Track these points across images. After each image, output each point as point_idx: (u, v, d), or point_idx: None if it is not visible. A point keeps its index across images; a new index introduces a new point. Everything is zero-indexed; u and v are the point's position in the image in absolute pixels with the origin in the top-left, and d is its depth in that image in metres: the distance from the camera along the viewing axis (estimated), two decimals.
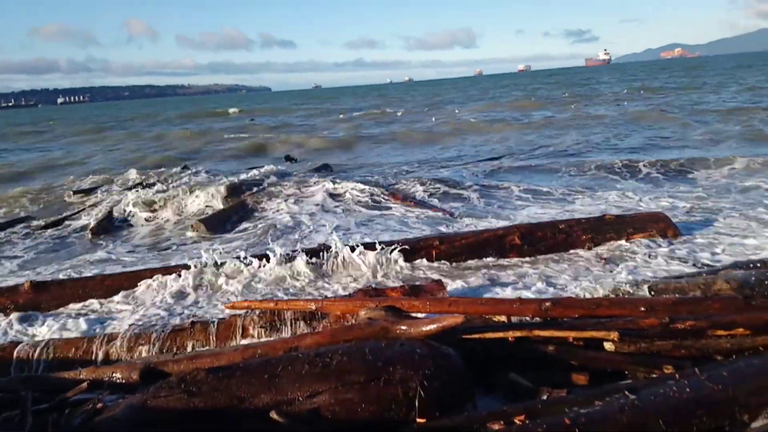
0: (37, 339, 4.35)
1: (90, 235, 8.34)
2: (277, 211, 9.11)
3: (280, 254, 5.43)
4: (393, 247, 5.50)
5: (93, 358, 3.62)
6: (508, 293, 4.53)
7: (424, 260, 5.59)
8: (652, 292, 3.68)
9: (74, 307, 5.12)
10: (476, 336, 3.00)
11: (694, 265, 5.03)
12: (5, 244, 8.41)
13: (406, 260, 5.49)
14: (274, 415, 2.34)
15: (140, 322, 4.64)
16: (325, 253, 5.55)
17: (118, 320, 4.80)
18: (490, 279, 5.15)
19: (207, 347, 3.54)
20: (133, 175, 13.48)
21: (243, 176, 11.77)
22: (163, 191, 10.52)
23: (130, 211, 9.57)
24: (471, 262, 5.62)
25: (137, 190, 10.76)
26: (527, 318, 3.23)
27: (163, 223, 9.15)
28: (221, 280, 5.29)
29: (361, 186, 9.92)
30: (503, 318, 3.30)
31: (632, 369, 2.80)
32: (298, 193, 10.16)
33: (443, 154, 15.98)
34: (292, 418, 2.35)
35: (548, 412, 2.36)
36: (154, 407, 2.42)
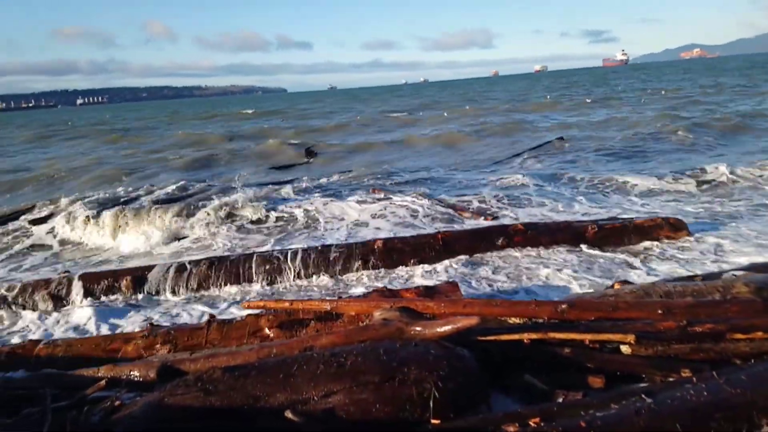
0: (56, 337, 4.42)
1: None
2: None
3: None
4: None
5: (111, 356, 3.67)
6: None
7: None
8: (670, 295, 3.64)
9: None
10: (491, 338, 2.99)
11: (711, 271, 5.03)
12: None
13: None
14: (289, 414, 2.36)
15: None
16: None
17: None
18: None
19: (223, 346, 3.57)
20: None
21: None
22: None
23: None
24: None
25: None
26: (543, 320, 3.21)
27: None
28: None
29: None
30: (518, 320, 3.28)
31: (649, 372, 2.77)
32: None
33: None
34: (307, 417, 2.36)
35: (564, 415, 2.35)
36: (171, 405, 2.45)
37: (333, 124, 30.22)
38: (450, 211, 8.40)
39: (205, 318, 4.07)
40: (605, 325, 3.03)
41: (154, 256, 7.52)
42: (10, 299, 5.54)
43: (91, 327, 4.91)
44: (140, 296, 5.60)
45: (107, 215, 8.63)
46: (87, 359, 3.62)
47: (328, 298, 3.83)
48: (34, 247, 8.40)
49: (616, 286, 4.03)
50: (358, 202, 9.09)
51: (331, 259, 5.86)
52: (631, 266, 5.54)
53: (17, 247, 8.36)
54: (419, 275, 5.70)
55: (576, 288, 5.03)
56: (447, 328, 2.86)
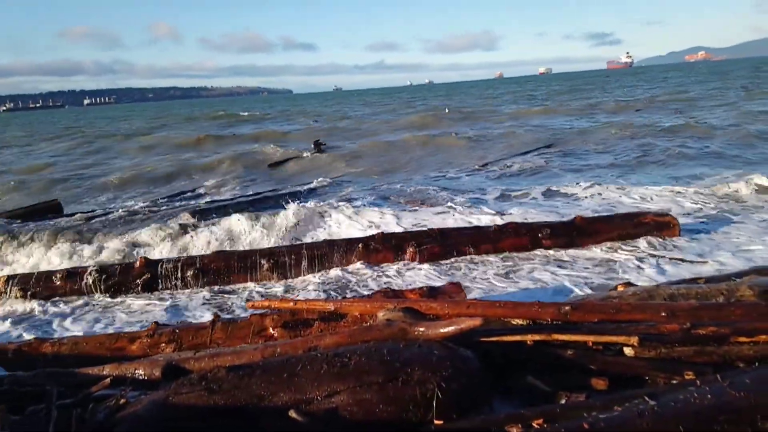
0: (62, 335, 4.45)
1: None
2: None
3: None
4: None
5: (116, 354, 3.70)
6: None
7: None
8: (674, 298, 3.64)
9: None
10: (494, 339, 2.99)
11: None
12: None
13: None
14: (293, 413, 2.37)
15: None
16: None
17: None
18: None
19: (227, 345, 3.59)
20: None
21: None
22: None
23: None
24: None
25: None
26: (546, 321, 3.21)
27: None
28: None
29: None
30: (521, 321, 3.29)
31: (652, 374, 2.77)
32: None
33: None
34: (311, 417, 2.37)
35: (566, 417, 2.35)
36: (175, 404, 2.47)
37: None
38: None
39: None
40: (608, 327, 3.03)
41: None
42: None
43: None
44: None
45: None
46: (92, 358, 3.65)
47: (331, 299, 3.83)
48: None
49: (620, 288, 4.03)
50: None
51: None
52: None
53: None
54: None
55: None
56: (450, 329, 2.87)
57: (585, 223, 6.60)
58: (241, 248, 7.05)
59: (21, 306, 5.74)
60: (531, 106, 35.55)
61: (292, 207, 8.07)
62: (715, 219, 7.31)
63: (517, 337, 2.99)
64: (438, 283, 5.09)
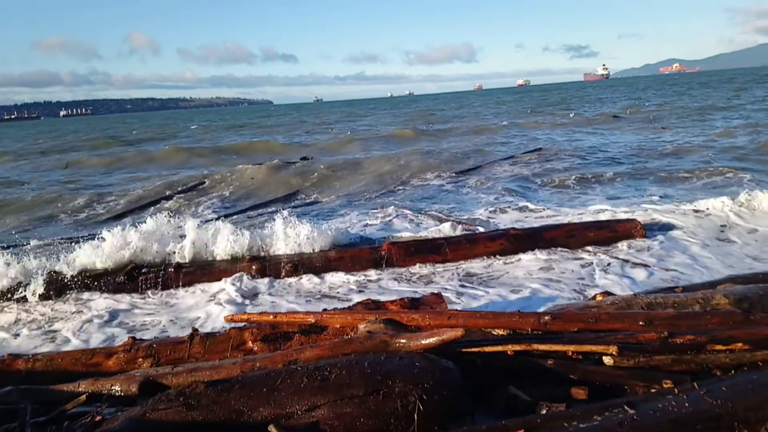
0: (36, 351, 4.35)
1: None
2: None
3: None
4: None
5: (92, 370, 3.62)
6: None
7: None
8: (652, 307, 3.68)
9: None
10: (475, 349, 3.00)
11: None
12: None
13: None
14: (272, 428, 2.35)
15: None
16: None
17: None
18: None
19: (206, 360, 3.54)
20: None
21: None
22: None
23: None
24: None
25: None
26: (527, 331, 3.23)
27: None
28: None
29: None
30: (502, 331, 3.30)
31: (631, 383, 2.79)
32: None
33: None
34: (291, 431, 2.35)
35: (547, 427, 2.36)
36: (152, 420, 2.42)
37: None
38: None
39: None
40: (588, 336, 3.05)
41: None
42: None
43: None
44: None
45: None
46: (68, 374, 3.57)
47: (311, 311, 3.80)
48: None
49: (598, 298, 4.07)
50: None
51: None
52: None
53: None
54: None
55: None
56: (432, 340, 2.86)
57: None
58: None
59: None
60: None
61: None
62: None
63: (498, 348, 2.99)
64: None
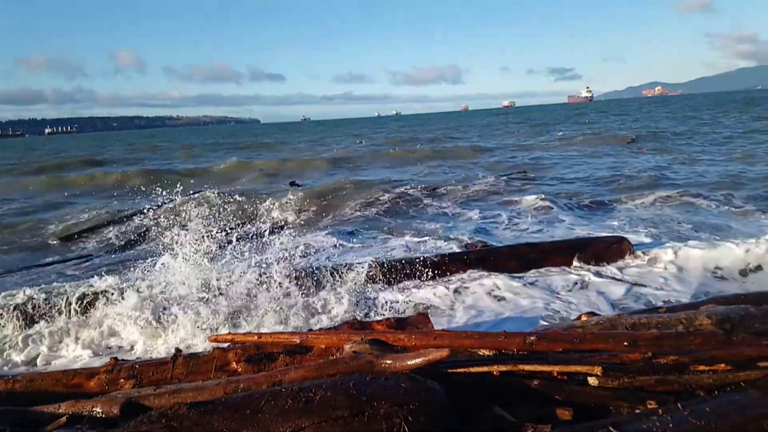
0: (16, 371, 4.27)
1: None
2: None
3: None
4: None
5: (73, 391, 3.56)
6: None
7: None
8: (636, 327, 3.70)
9: None
10: (461, 370, 2.99)
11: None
12: None
13: None
14: None
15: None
16: None
17: None
18: None
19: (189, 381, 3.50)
20: None
21: None
22: None
23: None
24: None
25: None
26: (512, 351, 3.23)
27: None
28: None
29: None
30: (488, 352, 3.30)
31: (616, 404, 2.80)
32: None
33: None
34: None
35: None
36: None
37: None
38: None
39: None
40: (573, 356, 3.06)
41: None
42: None
43: None
44: None
45: None
46: (48, 395, 3.51)
47: (296, 331, 3.78)
48: None
49: (583, 318, 4.09)
50: None
51: None
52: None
53: None
54: None
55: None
56: (417, 360, 2.86)
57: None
58: None
59: None
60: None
61: None
62: None
63: (484, 368, 2.99)
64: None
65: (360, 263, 6.49)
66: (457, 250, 7.47)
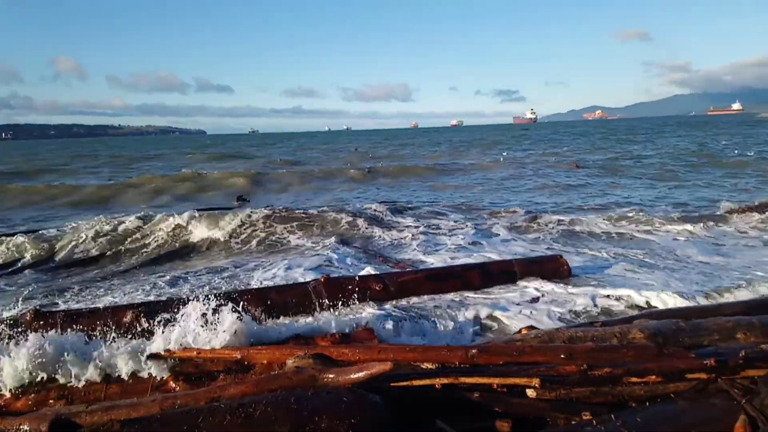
0: None
1: None
2: None
3: None
4: None
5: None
6: None
7: None
8: (572, 340, 3.81)
9: None
10: (404, 383, 3.00)
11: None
12: None
13: None
14: None
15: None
16: None
17: None
18: None
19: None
20: None
21: None
22: None
23: None
24: None
25: None
26: (455, 364, 3.26)
27: None
28: None
29: None
30: (431, 365, 3.32)
31: (553, 415, 2.86)
32: None
33: None
34: None
35: None
36: None
37: None
38: None
39: None
40: (512, 369, 3.12)
41: None
42: None
43: None
44: None
45: None
46: None
47: (237, 347, 3.69)
48: None
49: (523, 332, 4.17)
50: None
51: None
52: None
53: None
54: None
55: None
56: (360, 374, 2.85)
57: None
58: None
59: None
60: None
61: None
62: None
63: (426, 381, 3.01)
64: None
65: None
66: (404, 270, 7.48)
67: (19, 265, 9.66)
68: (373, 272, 6.99)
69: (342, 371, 2.95)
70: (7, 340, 3.93)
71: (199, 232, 11.29)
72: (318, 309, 5.58)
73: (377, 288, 5.98)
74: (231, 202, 17.24)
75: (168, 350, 3.84)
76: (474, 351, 3.27)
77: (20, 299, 6.46)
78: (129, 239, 10.97)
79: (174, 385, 3.47)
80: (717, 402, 2.86)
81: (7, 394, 3.51)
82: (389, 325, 4.84)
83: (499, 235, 10.37)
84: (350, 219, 11.66)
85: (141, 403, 2.79)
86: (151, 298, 6.77)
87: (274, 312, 5.38)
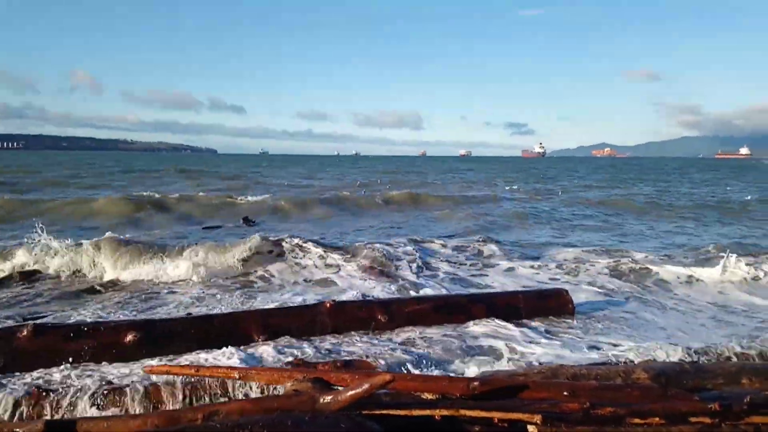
0: None
1: None
2: None
3: None
4: None
5: None
6: None
7: None
8: (576, 378, 3.76)
9: None
10: (403, 412, 2.96)
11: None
12: None
13: None
14: None
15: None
16: None
17: None
18: None
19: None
20: None
21: None
22: None
23: None
24: None
25: None
26: (455, 396, 3.22)
27: None
28: None
29: None
30: (431, 395, 3.27)
31: None
32: None
33: None
34: None
35: None
36: None
37: None
38: None
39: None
40: (514, 404, 3.07)
41: None
42: None
43: None
44: None
45: None
46: None
47: (236, 366, 3.66)
48: None
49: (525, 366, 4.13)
50: None
51: None
52: None
53: None
54: None
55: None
56: (360, 390, 2.84)
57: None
58: None
59: None
60: None
61: None
62: None
63: (426, 411, 2.96)
64: None
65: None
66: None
67: None
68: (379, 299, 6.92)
69: (340, 392, 2.92)
70: None
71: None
72: (320, 333, 5.53)
73: (382, 318, 5.88)
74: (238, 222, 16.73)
75: (165, 365, 3.82)
76: (476, 383, 3.23)
77: None
78: None
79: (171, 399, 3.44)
80: None
81: None
82: (391, 353, 4.80)
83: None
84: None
85: (139, 417, 2.76)
86: None
87: (275, 334, 5.33)
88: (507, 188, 33.13)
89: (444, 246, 11.26)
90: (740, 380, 3.75)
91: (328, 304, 5.65)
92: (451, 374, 4.44)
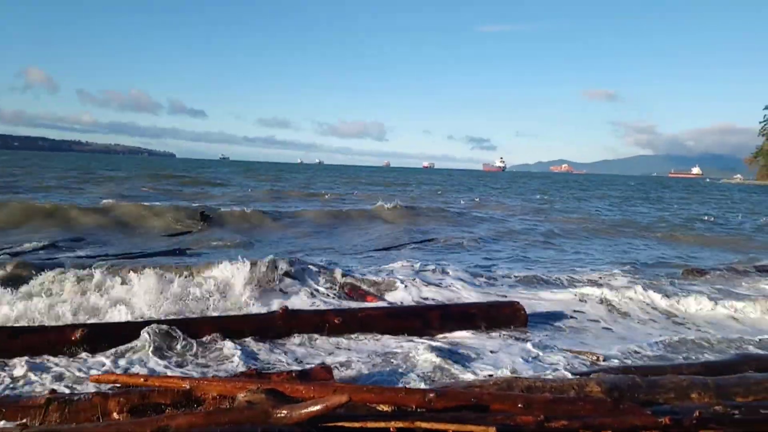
0: None
1: None
2: None
3: None
4: None
5: None
6: None
7: None
8: (531, 390, 3.78)
9: None
10: (357, 424, 2.91)
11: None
12: None
13: None
14: None
15: None
16: None
17: None
18: None
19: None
20: None
21: None
22: None
23: None
24: None
25: None
26: (411, 408, 3.19)
27: None
28: None
29: None
30: (387, 407, 3.24)
31: None
32: None
33: None
34: None
35: None
36: None
37: None
38: None
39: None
40: (469, 416, 3.07)
41: None
42: None
43: None
44: None
45: None
46: None
47: (187, 376, 3.55)
48: None
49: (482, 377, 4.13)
50: None
51: None
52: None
53: None
54: None
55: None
56: (316, 408, 2.77)
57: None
58: None
59: None
60: None
61: None
62: None
63: (381, 424, 2.93)
64: None
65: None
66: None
67: None
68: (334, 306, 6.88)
69: (296, 406, 2.85)
70: None
71: None
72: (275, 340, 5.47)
73: (336, 321, 5.85)
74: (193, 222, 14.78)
75: (113, 373, 3.67)
76: (432, 395, 3.21)
77: None
78: None
79: (117, 417, 3.25)
80: None
81: None
82: (347, 363, 4.74)
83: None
84: None
85: (85, 429, 2.64)
86: None
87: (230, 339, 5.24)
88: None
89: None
90: (690, 395, 3.84)
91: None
92: (407, 385, 4.41)
